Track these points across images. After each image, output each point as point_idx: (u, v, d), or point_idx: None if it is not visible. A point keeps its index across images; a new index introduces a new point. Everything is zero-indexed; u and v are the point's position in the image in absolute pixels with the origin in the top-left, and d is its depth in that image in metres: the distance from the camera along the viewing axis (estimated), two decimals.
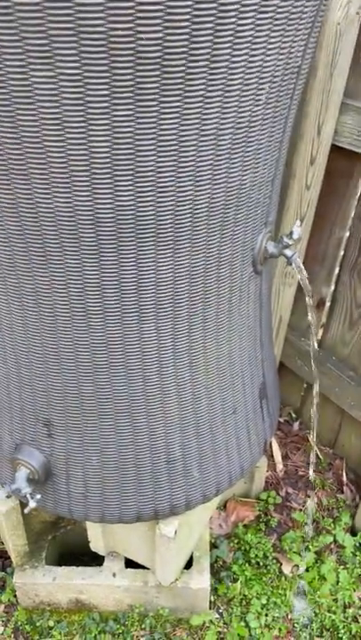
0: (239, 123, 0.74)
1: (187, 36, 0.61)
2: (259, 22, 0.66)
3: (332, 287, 1.47)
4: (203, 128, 0.71)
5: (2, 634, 1.25)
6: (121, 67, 0.62)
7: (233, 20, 0.63)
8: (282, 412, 1.77)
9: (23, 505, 1.14)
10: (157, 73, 0.64)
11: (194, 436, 1.01)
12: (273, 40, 0.69)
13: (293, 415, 1.77)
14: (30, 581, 1.22)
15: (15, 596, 1.28)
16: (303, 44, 0.77)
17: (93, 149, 0.68)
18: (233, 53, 0.66)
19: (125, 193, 0.73)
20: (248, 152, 0.79)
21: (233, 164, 0.78)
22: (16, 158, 0.70)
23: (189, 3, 0.59)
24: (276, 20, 0.68)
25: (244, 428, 1.10)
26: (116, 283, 0.81)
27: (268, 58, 0.71)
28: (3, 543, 1.40)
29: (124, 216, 0.75)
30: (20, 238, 0.78)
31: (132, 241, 0.78)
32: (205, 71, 0.65)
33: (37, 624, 1.26)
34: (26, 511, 0.99)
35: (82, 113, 0.65)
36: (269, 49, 0.70)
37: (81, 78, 0.62)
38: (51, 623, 1.26)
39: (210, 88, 0.68)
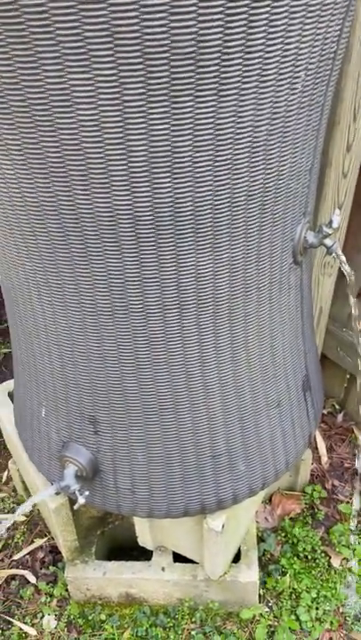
0: (275, 113, 0.73)
1: (220, 29, 0.61)
2: (293, 10, 0.65)
3: None
4: (239, 121, 0.71)
5: (56, 627, 1.28)
6: (156, 64, 0.62)
7: (266, 9, 0.63)
8: (325, 404, 1.75)
9: (72, 501, 1.17)
10: (192, 68, 0.63)
11: (238, 430, 1.01)
12: (308, 27, 0.68)
13: (337, 407, 1.75)
14: (81, 576, 1.25)
15: (67, 590, 1.31)
16: (338, 29, 0.76)
17: (131, 148, 0.69)
18: (267, 43, 0.66)
19: (163, 190, 0.73)
20: (285, 142, 0.78)
21: (270, 154, 0.77)
22: (56, 161, 0.71)
23: None
24: (311, 5, 0.67)
25: (288, 420, 1.09)
26: (156, 279, 0.82)
27: (302, 45, 0.70)
28: (53, 538, 1.43)
29: (163, 213, 0.75)
30: (61, 238, 0.80)
31: (171, 237, 0.78)
32: (240, 63, 0.65)
33: (89, 618, 1.29)
34: (75, 507, 1.01)
35: (119, 113, 0.66)
36: (304, 36, 0.69)
37: (117, 78, 0.63)
38: (102, 617, 1.29)
39: (245, 80, 0.67)
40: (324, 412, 1.74)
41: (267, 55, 0.67)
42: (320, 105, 0.82)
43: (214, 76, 0.65)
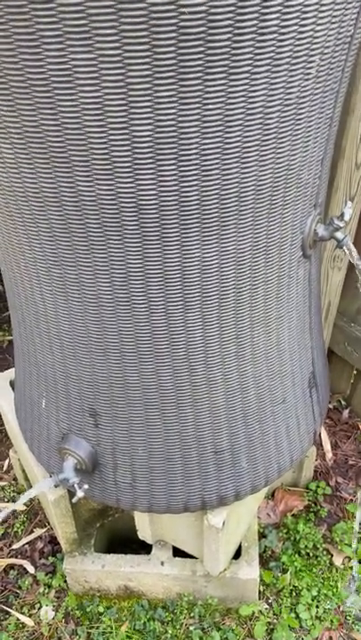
0: (287, 99, 0.70)
1: (232, 7, 0.58)
2: None
3: None
4: (249, 107, 0.68)
5: (53, 618, 1.27)
6: (163, 45, 0.59)
7: None
8: (331, 400, 1.72)
9: (71, 493, 1.15)
10: (201, 49, 0.60)
11: (242, 427, 0.99)
12: (324, 8, 0.65)
13: (343, 403, 1.72)
14: (80, 568, 1.23)
15: (65, 581, 1.30)
16: (356, 11, 0.72)
17: (135, 133, 0.66)
18: (281, 24, 0.62)
19: (169, 178, 0.70)
20: (297, 130, 0.74)
21: (281, 143, 0.74)
22: (57, 145, 0.68)
23: None
24: None
25: (293, 417, 1.06)
26: (159, 271, 0.79)
27: (318, 27, 0.66)
28: (53, 529, 1.42)
29: (168, 202, 0.72)
30: (63, 227, 0.77)
31: (175, 227, 0.75)
32: (252, 45, 0.62)
33: (88, 609, 1.28)
34: (74, 500, 0.99)
35: (123, 96, 0.63)
36: (320, 17, 0.65)
37: (121, 59, 0.60)
38: (100, 609, 1.27)
39: (257, 63, 0.64)
40: (330, 406, 1.71)
41: (281, 37, 0.63)
42: (334, 92, 0.78)
43: (224, 59, 0.62)
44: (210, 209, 0.75)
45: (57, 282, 0.84)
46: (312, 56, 0.69)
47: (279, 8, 0.60)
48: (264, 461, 1.04)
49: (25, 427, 1.17)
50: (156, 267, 0.79)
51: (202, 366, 0.91)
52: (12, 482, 1.56)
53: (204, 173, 0.71)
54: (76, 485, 0.98)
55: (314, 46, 0.68)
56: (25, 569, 1.37)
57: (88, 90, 0.62)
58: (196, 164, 0.70)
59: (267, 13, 0.60)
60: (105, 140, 0.66)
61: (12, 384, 1.36)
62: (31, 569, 1.36)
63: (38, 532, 1.44)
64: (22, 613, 1.29)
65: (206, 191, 0.73)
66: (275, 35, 0.62)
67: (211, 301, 0.84)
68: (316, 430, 1.16)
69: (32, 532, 1.44)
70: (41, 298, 0.89)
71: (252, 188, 0.76)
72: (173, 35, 0.58)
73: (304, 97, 0.72)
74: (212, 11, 0.57)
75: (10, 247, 0.87)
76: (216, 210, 0.75)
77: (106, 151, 0.67)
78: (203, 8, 0.57)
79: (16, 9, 0.58)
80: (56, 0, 0.56)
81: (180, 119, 0.65)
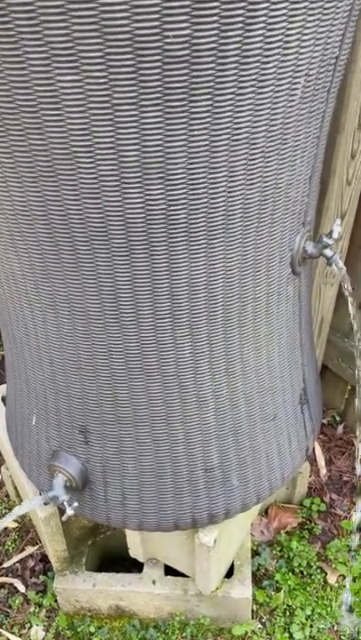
0: (273, 120, 0.71)
1: (216, 32, 0.59)
2: (292, 13, 0.63)
3: None
4: (235, 127, 0.68)
5: (44, 638, 1.26)
6: (148, 67, 0.60)
7: (264, 12, 0.60)
8: (325, 415, 1.72)
9: (62, 511, 1.14)
10: (186, 72, 0.61)
11: (232, 444, 0.98)
12: (308, 31, 0.66)
13: (337, 418, 1.72)
14: (71, 587, 1.22)
15: (56, 600, 1.29)
16: (341, 33, 0.73)
17: (122, 154, 0.66)
18: (265, 47, 0.63)
19: (156, 198, 0.71)
20: (284, 150, 0.75)
21: (268, 163, 0.75)
22: (45, 165, 0.69)
23: None
24: (311, 9, 0.64)
25: (284, 434, 1.06)
26: (148, 288, 0.80)
27: (302, 50, 0.67)
28: (44, 547, 1.41)
29: (155, 222, 0.73)
30: (51, 244, 0.77)
31: (163, 245, 0.76)
32: (236, 67, 0.63)
33: (78, 629, 1.26)
34: (64, 518, 0.99)
35: (109, 117, 0.63)
36: (304, 40, 0.66)
37: (107, 81, 0.61)
38: (92, 629, 1.26)
39: (241, 85, 0.65)
40: (325, 422, 1.71)
41: (264, 60, 0.64)
42: (321, 112, 0.79)
43: (209, 81, 0.63)
44: (197, 227, 0.75)
45: (46, 298, 0.85)
46: (297, 78, 0.70)
47: (262, 32, 0.61)
48: (255, 479, 1.03)
49: (16, 443, 1.17)
50: (145, 284, 0.79)
51: (192, 383, 0.90)
52: (5, 498, 1.55)
53: (191, 192, 0.71)
54: (65, 503, 0.97)
55: (299, 68, 0.69)
56: (16, 588, 1.35)
57: (75, 111, 0.63)
58: (183, 183, 0.70)
59: (250, 37, 0.61)
60: (92, 161, 0.67)
61: (4, 400, 1.36)
62: (22, 588, 1.35)
63: (30, 549, 1.42)
64: (12, 633, 1.27)
65: (194, 210, 0.73)
66: (258, 57, 0.63)
67: (199, 318, 0.85)
68: (309, 447, 1.16)
69: (23, 549, 1.43)
70: (30, 314, 0.89)
71: (240, 206, 0.76)
72: (158, 57, 0.59)
73: (290, 118, 0.73)
74: (196, 34, 0.58)
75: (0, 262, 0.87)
76: (204, 228, 0.76)
77: (93, 171, 0.68)
78: (186, 32, 0.58)
79: (3, 32, 0.59)
80: (42, 24, 0.57)
81: (166, 139, 0.66)
